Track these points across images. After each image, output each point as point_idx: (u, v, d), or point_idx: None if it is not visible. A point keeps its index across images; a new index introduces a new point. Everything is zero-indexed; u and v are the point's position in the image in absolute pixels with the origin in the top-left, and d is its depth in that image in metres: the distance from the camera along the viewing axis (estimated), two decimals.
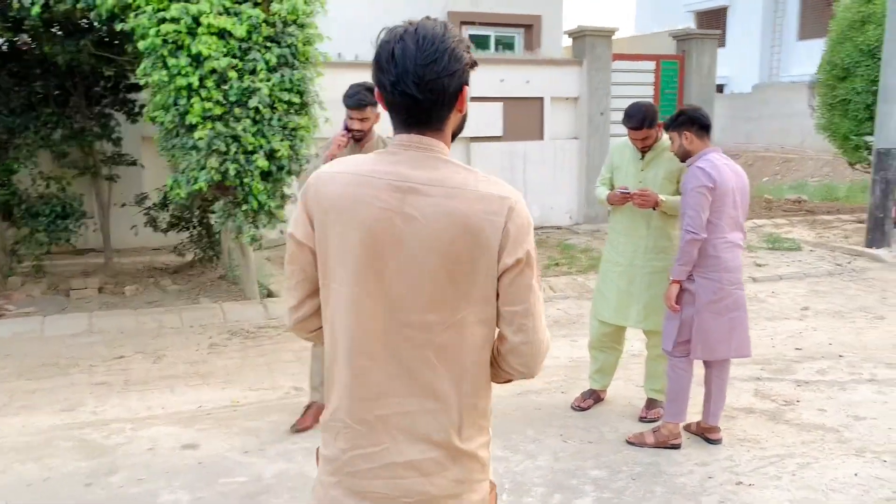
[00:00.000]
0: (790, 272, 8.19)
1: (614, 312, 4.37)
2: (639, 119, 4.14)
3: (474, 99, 9.45)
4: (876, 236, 9.15)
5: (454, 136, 1.64)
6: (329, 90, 7.85)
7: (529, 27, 12.83)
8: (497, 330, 1.61)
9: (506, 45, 12.84)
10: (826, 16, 25.85)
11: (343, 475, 1.60)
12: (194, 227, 7.70)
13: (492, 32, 12.71)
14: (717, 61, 11.63)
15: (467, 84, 1.54)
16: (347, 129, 4.13)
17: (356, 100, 4.06)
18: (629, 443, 4.03)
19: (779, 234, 10.17)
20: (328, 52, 10.52)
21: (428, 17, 1.56)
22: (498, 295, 1.56)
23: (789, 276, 8.06)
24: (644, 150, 4.28)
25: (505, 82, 10.40)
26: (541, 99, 10.72)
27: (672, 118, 3.95)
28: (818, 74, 11.40)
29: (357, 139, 4.18)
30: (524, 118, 10.63)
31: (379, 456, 1.57)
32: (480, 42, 12.43)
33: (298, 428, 4.22)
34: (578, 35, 10.97)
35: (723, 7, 28.48)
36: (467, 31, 12.49)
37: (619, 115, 11.67)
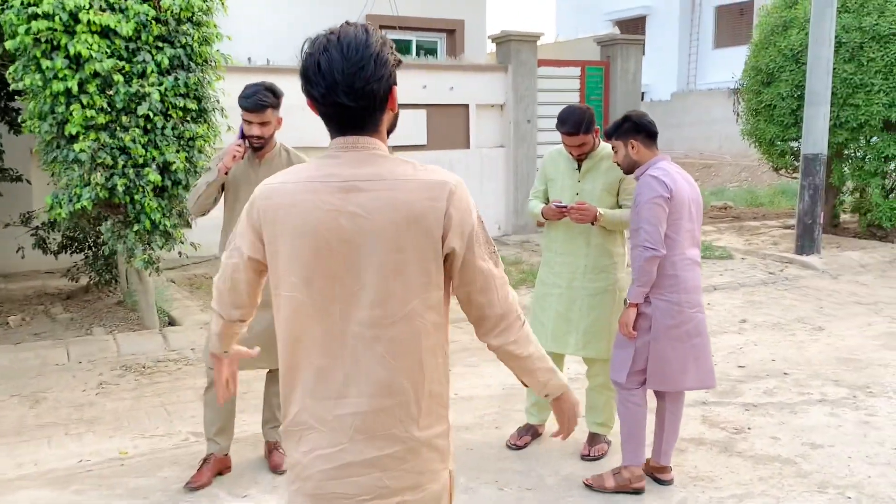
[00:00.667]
0: (724, 282, 7.98)
1: (552, 340, 3.92)
2: (574, 123, 3.72)
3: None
4: (806, 243, 9.05)
5: (389, 132, 1.69)
6: (233, 96, 7.27)
7: (452, 32, 12.43)
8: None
9: (428, 50, 12.41)
10: (740, 25, 26.66)
11: (302, 480, 1.64)
12: (89, 248, 6.97)
13: (413, 37, 12.26)
14: (642, 67, 11.47)
15: (395, 84, 1.60)
16: (244, 136, 3.58)
17: (254, 101, 3.51)
18: (587, 485, 3.59)
19: (708, 241, 10.00)
20: (236, 55, 9.95)
21: (348, 23, 1.59)
22: (452, 277, 1.65)
23: (724, 287, 7.84)
24: (580, 159, 3.87)
25: (428, 88, 9.95)
26: (466, 106, 10.32)
27: (615, 125, 3.53)
28: (742, 80, 11.35)
29: (256, 147, 3.64)
30: (449, 126, 10.20)
31: (336, 456, 1.60)
32: (402, 47, 11.95)
33: (193, 485, 3.62)
34: (503, 40, 10.62)
35: (642, 16, 28.86)
36: (387, 36, 12.01)
37: (546, 123, 11.42)
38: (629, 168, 3.53)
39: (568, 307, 3.89)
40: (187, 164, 4.97)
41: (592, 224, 3.76)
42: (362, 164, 1.59)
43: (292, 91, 9.11)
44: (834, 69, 9.04)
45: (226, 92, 5.72)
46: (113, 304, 6.98)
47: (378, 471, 1.60)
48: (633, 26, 28.18)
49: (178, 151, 4.91)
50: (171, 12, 4.75)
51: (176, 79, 4.82)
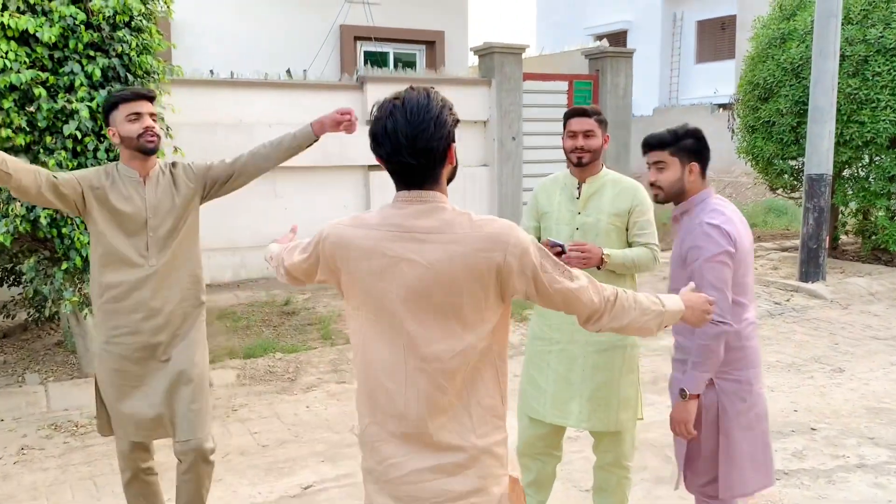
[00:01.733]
0: None
1: (553, 409, 3.20)
2: (583, 109, 3.17)
3: (370, 122, 8.16)
4: (811, 269, 8.48)
5: (449, 180, 1.88)
6: (184, 112, 6.59)
7: (432, 44, 11.82)
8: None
9: (406, 62, 11.78)
10: (722, 39, 26.38)
11: (383, 483, 1.85)
12: (29, 283, 6.22)
13: (391, 49, 11.63)
14: (632, 81, 10.92)
15: (454, 141, 1.80)
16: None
17: (134, 89, 2.94)
18: None
19: None
20: (196, 67, 9.27)
21: (412, 88, 1.80)
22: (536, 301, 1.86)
23: None
24: (581, 173, 3.17)
25: None
26: None
27: (673, 135, 2.75)
28: (737, 94, 10.81)
29: (149, 150, 2.85)
30: None
31: (405, 464, 1.81)
32: (378, 59, 11.32)
33: None
34: (486, 52, 10.02)
35: (622, 31, 28.52)
36: (363, 48, 11.37)
37: (532, 140, 10.76)
38: (672, 196, 2.76)
39: (569, 367, 3.17)
40: None
41: (598, 269, 3.09)
42: (423, 216, 1.78)
43: (257, 107, 8.37)
44: (837, 84, 8.51)
45: (175, 108, 5.05)
46: (52, 344, 6.24)
47: (445, 475, 1.79)
48: (614, 41, 27.71)
49: None
50: (104, 16, 4.06)
51: (109, 93, 4.13)
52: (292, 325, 6.97)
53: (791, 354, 6.14)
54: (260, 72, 9.15)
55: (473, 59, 10.78)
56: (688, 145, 2.72)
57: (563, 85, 10.57)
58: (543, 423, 3.24)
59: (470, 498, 1.80)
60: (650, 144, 2.79)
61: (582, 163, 3.12)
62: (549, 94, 10.44)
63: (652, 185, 2.79)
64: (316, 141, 3.13)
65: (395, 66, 11.58)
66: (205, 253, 8.56)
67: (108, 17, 4.07)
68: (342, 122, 3.08)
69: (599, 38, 27.91)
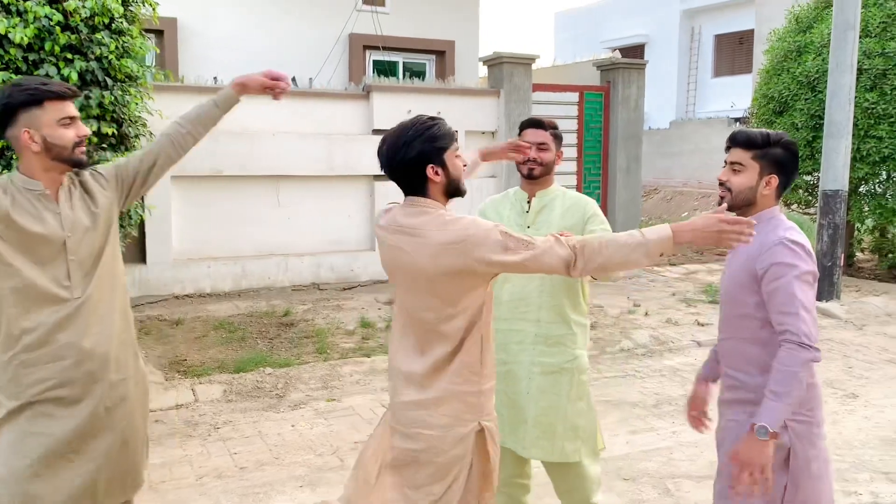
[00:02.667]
0: None
1: (510, 432, 2.97)
2: (538, 120, 3.06)
3: (377, 132, 8.01)
4: (825, 287, 8.20)
5: (454, 194, 2.29)
6: (171, 119, 6.39)
7: (442, 53, 11.68)
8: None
9: (415, 72, 11.64)
10: (739, 54, 26.13)
11: (391, 407, 2.35)
12: None
13: (400, 58, 11.49)
14: (644, 93, 10.71)
15: (431, 162, 2.19)
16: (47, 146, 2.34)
17: (59, 86, 2.36)
18: None
19: (715, 282, 9.15)
20: (200, 75, 9.16)
21: (414, 116, 2.26)
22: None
23: None
24: (531, 195, 3.03)
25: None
26: (454, 132, 9.49)
27: (764, 138, 2.44)
28: (752, 108, 10.58)
29: (79, 162, 2.42)
30: None
31: (402, 396, 2.28)
32: (387, 68, 11.18)
33: None
34: (495, 62, 9.85)
35: (640, 44, 28.34)
36: (372, 57, 11.23)
37: None
38: (738, 204, 2.46)
39: (515, 389, 2.95)
40: None
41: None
42: (411, 216, 2.21)
43: (261, 115, 8.22)
44: (854, 98, 8.26)
45: (163, 115, 4.90)
46: None
47: (420, 409, 2.24)
48: (631, 54, 27.57)
49: None
50: (81, 17, 3.91)
51: (87, 97, 3.98)
52: (288, 338, 6.79)
53: None
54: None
55: (485, 71, 10.61)
56: (775, 154, 2.43)
57: (574, 96, 10.38)
58: (503, 447, 2.98)
59: (437, 430, 2.22)
60: (736, 141, 2.49)
61: (533, 175, 2.99)
62: (560, 105, 10.25)
63: (721, 184, 2.50)
64: (238, 103, 2.78)
65: (404, 75, 11.43)
66: (205, 262, 8.53)
67: (86, 18, 3.93)
68: (270, 87, 2.72)
69: (615, 51, 27.77)
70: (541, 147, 2.98)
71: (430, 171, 2.19)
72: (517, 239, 2.12)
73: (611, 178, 10.64)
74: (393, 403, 2.32)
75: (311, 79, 9.98)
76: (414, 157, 2.18)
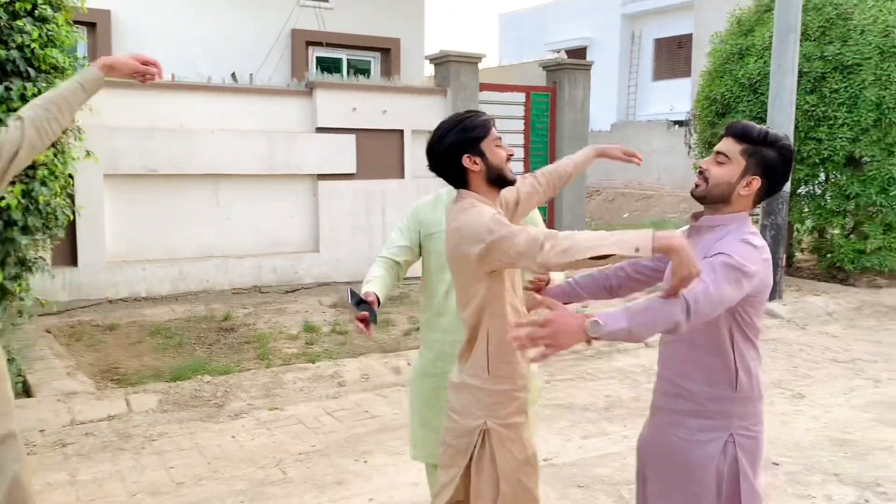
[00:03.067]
0: None
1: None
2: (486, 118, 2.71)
3: (321, 129, 7.72)
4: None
5: (497, 182, 2.36)
6: (104, 115, 6.11)
7: (387, 51, 11.50)
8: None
9: (360, 69, 11.43)
10: (678, 57, 26.60)
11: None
12: None
13: (344, 55, 11.27)
14: (590, 94, 10.72)
15: (466, 152, 2.29)
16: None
17: None
18: None
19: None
20: None
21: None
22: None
23: None
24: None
25: (358, 112, 8.95)
26: (400, 131, 9.34)
27: (764, 137, 2.19)
28: (694, 110, 10.68)
29: None
30: (381, 153, 9.20)
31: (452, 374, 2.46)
32: (331, 65, 10.95)
33: None
34: (442, 61, 9.71)
35: (582, 47, 28.61)
36: (315, 53, 10.98)
37: None
38: (711, 198, 2.25)
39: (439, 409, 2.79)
40: (26, 202, 3.81)
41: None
42: (453, 204, 2.36)
43: (199, 111, 7.92)
44: (795, 100, 8.37)
45: (93, 110, 4.62)
46: None
47: (453, 391, 2.41)
48: (574, 57, 27.76)
49: (11, 184, 3.76)
50: (1, 3, 3.63)
51: (7, 89, 3.69)
52: (228, 344, 6.53)
53: None
54: (203, 75, 8.72)
55: (430, 70, 10.48)
56: (767, 156, 2.19)
57: (521, 96, 10.32)
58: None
59: (456, 414, 2.36)
60: (731, 129, 2.24)
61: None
62: (507, 105, 10.18)
63: (700, 172, 2.27)
64: (103, 86, 2.51)
65: (349, 72, 11.22)
66: (140, 264, 8.16)
67: (6, 3, 3.64)
68: (139, 72, 2.49)
69: (560, 52, 27.98)
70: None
71: (466, 161, 2.27)
72: (500, 221, 2.16)
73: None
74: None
75: (251, 74, 9.69)
76: (448, 149, 2.27)
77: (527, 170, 10.32)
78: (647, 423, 2.40)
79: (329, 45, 10.61)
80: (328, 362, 5.90)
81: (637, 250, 1.90)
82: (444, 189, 2.94)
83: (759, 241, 2.18)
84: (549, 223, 10.46)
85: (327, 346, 6.44)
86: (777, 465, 4.25)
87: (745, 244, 2.13)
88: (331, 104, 8.82)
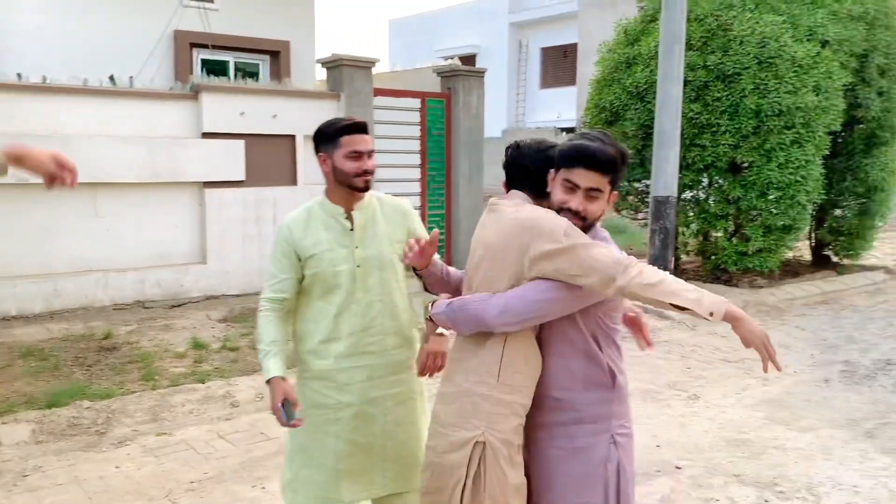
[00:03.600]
0: None
1: (349, 486, 2.65)
2: (363, 123, 2.67)
3: (207, 135, 7.33)
4: None
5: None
6: None
7: (276, 54, 11.17)
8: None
9: (248, 73, 11.06)
10: (564, 66, 27.32)
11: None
12: None
13: (231, 58, 10.86)
14: (485, 101, 10.76)
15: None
16: None
17: None
18: None
19: None
20: (4, 70, 8.17)
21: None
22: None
23: None
24: (348, 209, 2.67)
25: (247, 116, 8.61)
26: (292, 137, 9.05)
27: (622, 157, 2.19)
28: (584, 117, 10.90)
29: None
30: (272, 159, 8.88)
31: None
32: (217, 68, 10.52)
33: None
34: (334, 65, 9.49)
35: (472, 55, 28.95)
36: (200, 55, 10.53)
37: (385, 158, 10.30)
38: (588, 227, 2.21)
39: (368, 432, 2.66)
40: None
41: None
42: (504, 203, 2.34)
43: (76, 116, 7.39)
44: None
45: None
46: None
47: (440, 402, 2.31)
48: (464, 64, 28.12)
49: None
50: None
51: None
52: (109, 364, 6.09)
53: (647, 381, 5.99)
54: (79, 77, 8.15)
55: (323, 73, 10.23)
56: (622, 171, 2.22)
57: (416, 102, 10.22)
58: None
59: (444, 428, 2.24)
60: (596, 164, 2.13)
61: (368, 187, 2.67)
62: (402, 111, 10.05)
63: (575, 213, 2.16)
64: (5, 175, 2.18)
65: (236, 76, 10.82)
66: (11, 280, 7.53)
67: None
68: (51, 176, 2.16)
69: (453, 58, 28.22)
70: (370, 154, 2.66)
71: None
72: (578, 230, 2.12)
73: (454, 185, 10.57)
74: None
75: (131, 77, 9.15)
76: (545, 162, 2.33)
77: (423, 176, 10.23)
78: (523, 448, 2.30)
79: (215, 47, 10.19)
80: (219, 381, 5.59)
81: (711, 315, 2.03)
82: (314, 200, 2.75)
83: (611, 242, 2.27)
84: (447, 228, 10.41)
85: (218, 364, 6.11)
86: (679, 468, 4.31)
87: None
88: (217, 108, 8.44)
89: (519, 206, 2.23)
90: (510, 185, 2.39)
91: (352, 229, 2.66)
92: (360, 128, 2.65)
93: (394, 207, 2.77)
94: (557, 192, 2.21)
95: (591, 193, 2.16)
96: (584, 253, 2.04)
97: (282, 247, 2.67)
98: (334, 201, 2.68)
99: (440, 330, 2.60)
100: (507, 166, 2.40)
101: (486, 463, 2.11)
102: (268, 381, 2.54)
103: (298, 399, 2.59)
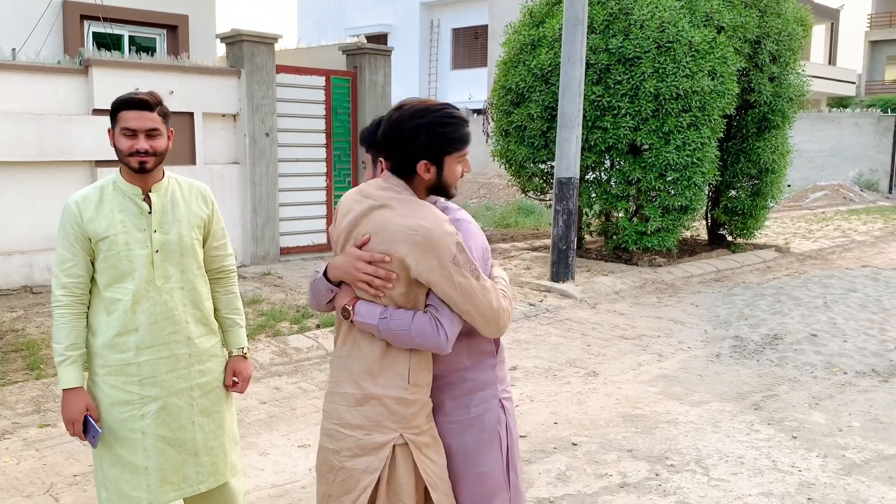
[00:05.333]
0: None
1: (159, 486, 2.52)
2: (139, 99, 2.44)
3: (98, 112, 6.93)
4: (561, 269, 8.68)
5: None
6: None
7: (174, 28, 10.73)
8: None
9: (144, 47, 10.58)
10: (475, 48, 27.42)
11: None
12: None
13: (125, 31, 10.37)
14: (391, 80, 10.64)
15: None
16: None
17: None
18: None
19: None
20: None
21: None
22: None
23: None
24: (146, 189, 2.52)
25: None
26: (190, 114, 8.73)
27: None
28: (491, 99, 10.94)
29: None
30: None
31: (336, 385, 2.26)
32: (111, 42, 10.02)
33: None
34: (234, 40, 9.19)
35: (383, 34, 28.68)
36: (91, 28, 10.01)
37: (289, 137, 10.10)
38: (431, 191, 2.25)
39: (176, 425, 2.54)
40: None
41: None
42: (401, 197, 2.19)
43: None
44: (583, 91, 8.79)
45: None
46: None
47: (346, 404, 2.20)
48: (375, 43, 27.81)
49: None
50: None
51: None
52: None
53: (547, 359, 6.09)
54: None
55: (222, 49, 9.89)
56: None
57: (321, 80, 10.01)
58: None
59: (355, 431, 2.16)
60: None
61: (146, 169, 2.47)
62: (306, 88, 9.83)
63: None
64: None
65: (131, 50, 10.34)
66: None
67: None
68: None
69: (359, 37, 27.83)
70: (151, 134, 2.45)
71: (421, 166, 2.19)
72: (471, 260, 2.11)
73: (360, 164, 10.45)
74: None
75: (14, 49, 8.62)
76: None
77: (329, 155, 10.06)
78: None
79: (107, 19, 9.68)
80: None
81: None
82: (107, 178, 2.56)
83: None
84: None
85: None
86: (576, 445, 4.39)
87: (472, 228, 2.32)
88: (110, 84, 8.04)
89: (409, 207, 2.10)
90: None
91: (150, 212, 2.51)
92: (139, 103, 2.43)
93: (195, 190, 2.65)
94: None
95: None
96: (475, 295, 2.08)
97: (71, 229, 2.47)
98: (129, 181, 2.51)
99: (245, 350, 2.76)
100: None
101: (412, 459, 2.15)
102: (65, 391, 2.41)
103: (95, 399, 2.49)
